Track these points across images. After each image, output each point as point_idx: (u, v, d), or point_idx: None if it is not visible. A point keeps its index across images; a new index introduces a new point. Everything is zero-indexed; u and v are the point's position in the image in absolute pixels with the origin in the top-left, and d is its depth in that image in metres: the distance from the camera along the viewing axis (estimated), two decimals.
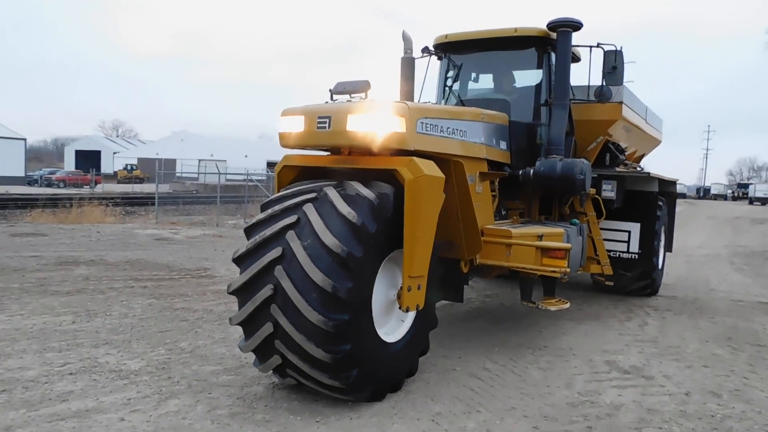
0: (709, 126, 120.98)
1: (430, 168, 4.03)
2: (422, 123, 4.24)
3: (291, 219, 3.85)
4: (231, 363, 4.91)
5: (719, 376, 4.96)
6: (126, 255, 10.78)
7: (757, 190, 63.57)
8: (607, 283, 7.36)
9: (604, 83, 6.21)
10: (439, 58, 7.07)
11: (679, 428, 3.85)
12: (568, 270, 4.98)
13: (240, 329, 4.13)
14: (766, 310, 7.88)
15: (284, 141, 4.46)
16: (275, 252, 3.76)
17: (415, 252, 3.99)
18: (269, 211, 4.03)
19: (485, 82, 7.05)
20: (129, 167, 62.85)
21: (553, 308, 5.41)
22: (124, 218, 20.58)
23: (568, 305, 5.55)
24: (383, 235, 3.92)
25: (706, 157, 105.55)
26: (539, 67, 6.43)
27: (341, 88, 4.35)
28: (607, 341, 5.98)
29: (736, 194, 76.53)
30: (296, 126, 4.32)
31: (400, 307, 4.14)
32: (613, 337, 6.17)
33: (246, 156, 62.09)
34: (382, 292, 4.12)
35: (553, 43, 6.32)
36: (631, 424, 3.89)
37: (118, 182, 56.25)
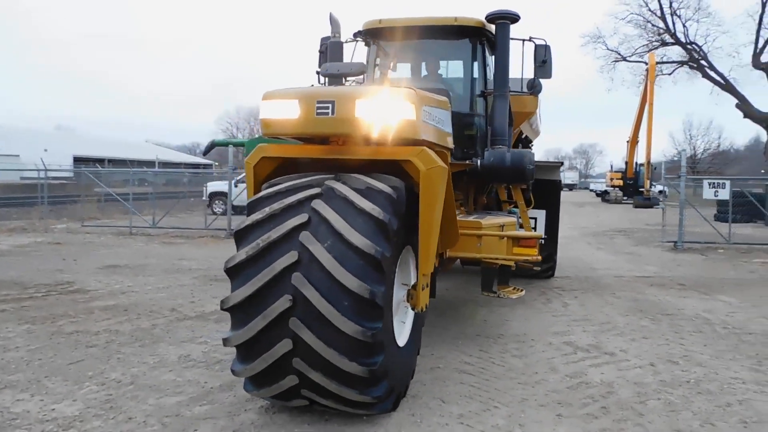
0: None
1: (439, 159, 3.91)
2: (425, 111, 4.08)
3: (300, 218, 3.45)
4: (193, 389, 4.30)
5: (661, 346, 5.57)
6: None
7: (566, 177, 72.98)
8: (535, 268, 7.85)
9: (535, 76, 6.56)
10: (368, 44, 6.89)
11: (672, 397, 4.24)
12: (540, 258, 5.21)
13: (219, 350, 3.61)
14: (648, 283, 9.06)
15: (270, 129, 3.98)
16: (289, 257, 3.34)
17: (429, 248, 3.85)
18: (267, 210, 3.57)
19: (416, 71, 7.03)
20: None
21: (514, 296, 5.61)
22: None
23: (524, 292, 5.80)
24: (401, 231, 3.71)
25: None
26: (474, 58, 6.58)
27: (334, 70, 4.01)
28: (549, 324, 6.38)
29: None
30: (287, 111, 3.88)
31: (413, 308, 3.97)
32: (550, 319, 6.61)
33: (46, 150, 54.65)
34: (393, 294, 3.91)
35: (488, 35, 6.51)
36: (634, 399, 4.18)
37: None
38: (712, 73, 33.91)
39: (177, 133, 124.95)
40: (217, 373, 4.65)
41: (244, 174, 20.10)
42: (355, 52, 6.86)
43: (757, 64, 31.33)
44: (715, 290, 8.42)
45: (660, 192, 29.30)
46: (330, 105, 3.78)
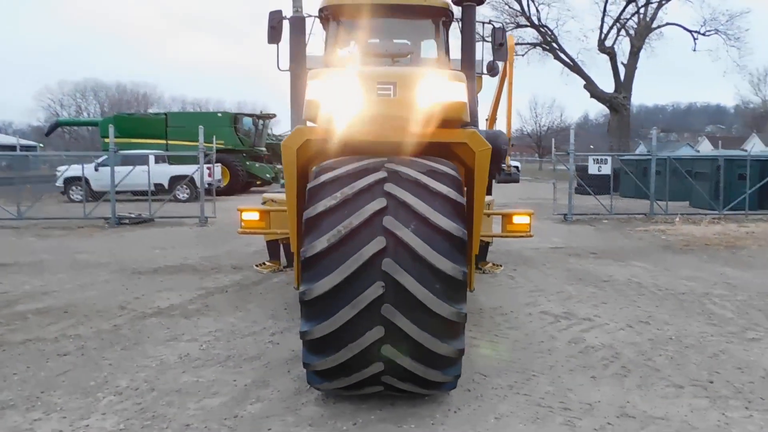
0: None
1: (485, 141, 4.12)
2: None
3: (379, 202, 3.47)
4: (228, 389, 4.12)
5: (623, 309, 6.32)
6: None
7: None
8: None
9: (494, 59, 6.96)
10: (328, 21, 6.79)
11: (669, 353, 4.89)
12: (532, 234, 5.65)
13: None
14: (565, 253, 10.07)
15: (316, 110, 3.88)
16: (377, 243, 3.36)
17: (478, 229, 4.07)
18: (338, 195, 3.52)
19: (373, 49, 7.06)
20: None
21: (497, 271, 6.02)
22: None
23: (502, 267, 6.23)
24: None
25: None
26: (437, 38, 6.80)
27: (382, 50, 4.01)
28: (514, 296, 6.90)
29: None
30: (343, 92, 3.82)
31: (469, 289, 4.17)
32: (510, 292, 7.14)
33: None
34: None
35: (450, 16, 6.75)
36: (641, 357, 4.77)
37: None
38: (563, 55, 37.46)
39: None
40: (238, 370, 4.48)
41: (105, 157, 18.70)
42: (313, 29, 6.75)
43: (602, 48, 35.19)
44: (625, 257, 9.61)
45: (515, 167, 32.23)
46: (391, 86, 3.80)
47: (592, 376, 4.38)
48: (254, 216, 5.58)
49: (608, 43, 35.13)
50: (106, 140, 24.69)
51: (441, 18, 6.71)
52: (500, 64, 7.12)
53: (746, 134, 68.49)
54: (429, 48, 6.86)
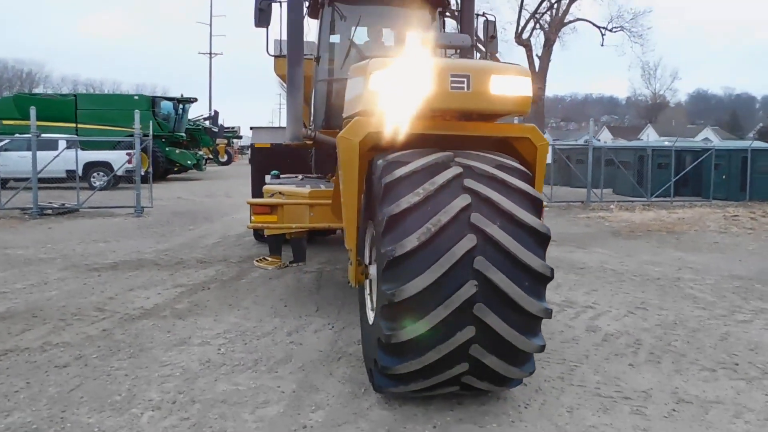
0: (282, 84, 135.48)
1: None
2: None
3: (464, 199, 3.36)
4: (276, 396, 3.86)
5: (615, 296, 6.58)
6: None
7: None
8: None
9: (486, 50, 6.99)
10: (323, 6, 6.53)
11: (683, 336, 5.14)
12: None
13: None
14: None
15: (381, 102, 3.70)
16: (468, 240, 3.25)
17: None
18: (421, 191, 3.37)
19: (374, 37, 6.86)
20: None
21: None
22: None
23: None
24: None
25: (280, 113, 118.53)
26: (433, 27, 6.72)
27: (444, 40, 3.89)
28: None
29: None
30: (414, 84, 3.66)
31: None
32: None
33: None
34: None
35: (446, 7, 6.71)
36: (662, 342, 4.98)
37: None
38: (481, 46, 38.43)
39: None
40: (275, 375, 4.21)
41: (6, 140, 17.22)
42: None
43: (519, 40, 36.44)
44: (584, 244, 10.05)
45: None
46: (465, 79, 3.71)
47: (629, 363, 4.53)
48: (266, 210, 5.26)
49: (525, 36, 36.42)
50: (5, 122, 22.58)
51: (438, 8, 6.65)
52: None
53: (639, 124, 73.96)
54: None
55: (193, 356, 4.57)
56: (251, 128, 9.43)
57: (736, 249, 9.69)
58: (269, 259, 5.88)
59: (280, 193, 5.32)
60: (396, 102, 3.70)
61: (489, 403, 3.79)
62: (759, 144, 22.02)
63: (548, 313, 3.40)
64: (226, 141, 35.92)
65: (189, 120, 27.23)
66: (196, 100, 26.03)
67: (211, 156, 28.59)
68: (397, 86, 3.69)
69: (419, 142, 3.89)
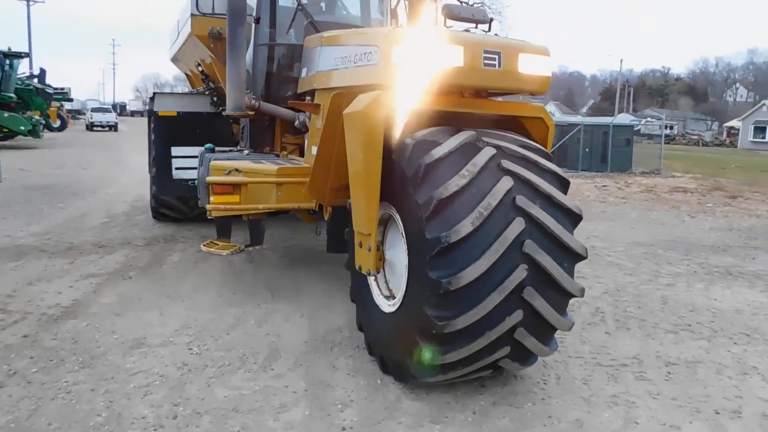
0: (114, 39, 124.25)
1: None
2: None
3: (507, 181, 3.28)
4: (289, 398, 3.53)
5: (616, 274, 6.65)
6: None
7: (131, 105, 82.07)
8: None
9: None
10: None
11: (635, 303, 5.57)
12: None
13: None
14: None
15: (409, 76, 3.44)
16: (517, 224, 3.19)
17: None
18: (465, 173, 3.22)
19: (314, 2, 6.40)
20: None
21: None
22: None
23: None
24: None
25: (114, 72, 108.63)
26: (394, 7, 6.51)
27: (458, 13, 3.72)
28: None
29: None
30: (446, 59, 3.45)
31: None
32: None
33: None
34: None
35: None
36: (612, 308, 5.35)
37: None
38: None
39: None
40: (274, 374, 3.84)
41: None
42: None
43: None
44: None
45: None
46: (497, 56, 3.61)
47: (606, 332, 4.80)
48: (227, 189, 4.70)
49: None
50: None
51: None
52: None
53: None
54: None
55: (162, 359, 4.02)
56: (154, 93, 8.43)
57: (623, 217, 10.73)
58: (219, 243, 5.32)
59: (236, 170, 4.80)
60: (424, 77, 3.48)
61: (510, 383, 3.80)
62: (619, 120, 24.63)
63: (583, 292, 3.47)
64: (57, 104, 31.92)
65: (19, 79, 23.72)
66: (27, 55, 22.70)
67: (43, 121, 25.17)
68: (427, 60, 3.47)
69: (430, 120, 3.73)
